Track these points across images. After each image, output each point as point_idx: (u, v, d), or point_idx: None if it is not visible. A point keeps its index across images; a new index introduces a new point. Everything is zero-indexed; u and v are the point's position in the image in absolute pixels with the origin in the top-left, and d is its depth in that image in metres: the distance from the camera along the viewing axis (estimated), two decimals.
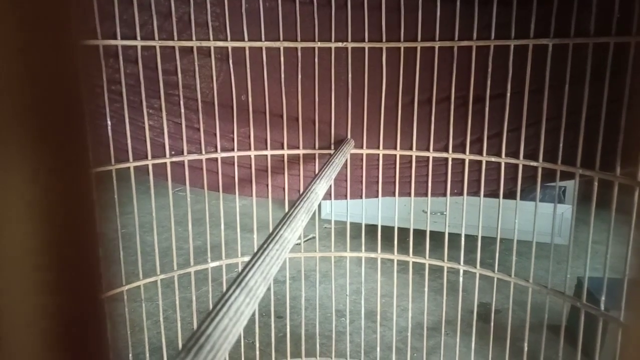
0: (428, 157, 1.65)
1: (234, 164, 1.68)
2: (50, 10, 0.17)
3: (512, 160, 1.56)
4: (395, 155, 1.68)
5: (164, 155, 1.61)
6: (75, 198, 0.19)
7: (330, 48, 1.60)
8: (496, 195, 1.61)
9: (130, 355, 1.66)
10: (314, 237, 2.65)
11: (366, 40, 1.58)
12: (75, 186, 0.19)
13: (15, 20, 0.17)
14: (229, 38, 1.57)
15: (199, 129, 1.62)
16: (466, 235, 1.66)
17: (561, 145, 1.46)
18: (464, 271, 1.68)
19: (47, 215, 0.18)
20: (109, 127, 1.51)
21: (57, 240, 0.18)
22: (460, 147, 1.63)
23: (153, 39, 1.51)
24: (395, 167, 1.69)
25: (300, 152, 1.70)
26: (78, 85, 0.19)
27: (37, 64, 0.17)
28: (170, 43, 1.53)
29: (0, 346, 0.17)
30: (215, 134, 1.63)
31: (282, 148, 1.69)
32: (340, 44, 1.59)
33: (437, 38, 1.54)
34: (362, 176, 1.73)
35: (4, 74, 0.17)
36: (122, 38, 1.47)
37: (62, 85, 0.18)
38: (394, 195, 1.73)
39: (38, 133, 0.18)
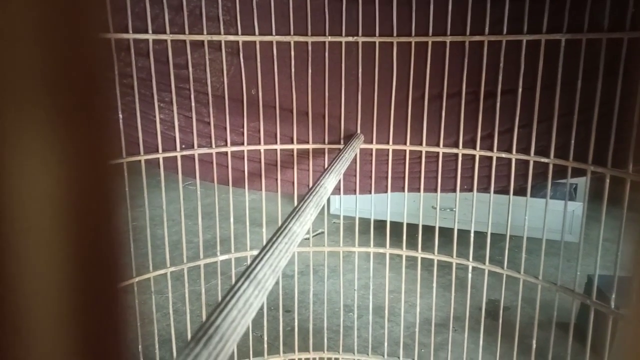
0: (438, 153, 1.65)
1: (243, 158, 1.68)
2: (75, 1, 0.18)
3: (523, 157, 1.55)
4: (405, 150, 1.67)
5: (175, 149, 1.62)
6: (99, 188, 0.19)
7: (340, 42, 1.60)
8: (506, 192, 1.60)
9: (140, 347, 1.68)
10: (322, 232, 2.65)
11: (377, 34, 1.57)
12: (99, 176, 0.19)
13: (39, 10, 0.17)
14: (239, 32, 1.57)
15: (209, 123, 1.63)
16: (475, 232, 1.65)
17: (573, 141, 1.45)
18: (473, 267, 1.68)
19: (71, 205, 0.18)
20: (120, 121, 1.52)
21: (80, 230, 0.19)
22: (470, 143, 1.62)
23: (164, 32, 1.51)
24: (404, 163, 1.69)
25: (310, 146, 1.70)
26: (101, 75, 0.19)
27: (61, 54, 0.18)
28: (181, 37, 1.53)
29: (23, 337, 0.18)
30: (225, 128, 1.64)
31: (292, 142, 1.69)
32: (351, 39, 1.59)
33: (448, 33, 1.53)
34: (371, 171, 1.73)
35: (30, 63, 0.17)
36: (134, 31, 1.48)
37: (86, 75, 0.18)
38: (403, 191, 1.72)
39: (61, 123, 0.18)
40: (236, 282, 0.68)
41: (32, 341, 0.18)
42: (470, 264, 1.68)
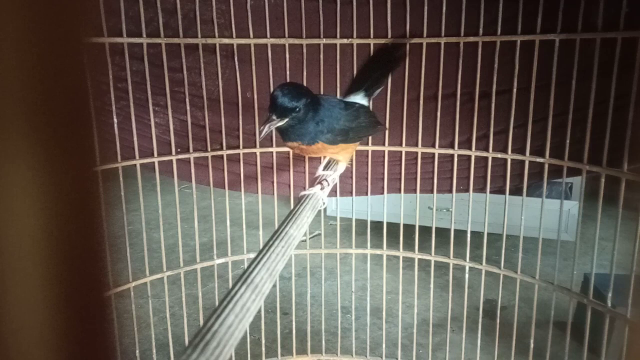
0: (434, 154, 1.65)
1: (239, 161, 1.68)
2: (57, 6, 0.17)
3: (519, 157, 1.55)
4: (401, 151, 1.67)
5: (170, 153, 1.61)
6: (82, 194, 0.19)
7: (335, 44, 1.60)
8: (502, 192, 1.60)
9: (137, 351, 1.67)
10: (319, 234, 2.65)
11: (372, 36, 1.58)
12: (82, 182, 0.19)
13: (21, 15, 0.17)
14: (234, 35, 1.57)
15: (204, 127, 1.62)
16: (472, 232, 1.65)
17: (568, 141, 1.45)
18: (470, 268, 1.68)
19: (54, 212, 0.18)
20: (115, 125, 1.51)
21: (63, 237, 0.18)
22: (466, 144, 1.62)
23: (159, 36, 1.51)
24: (400, 164, 1.69)
25: None
26: (85, 81, 0.19)
27: (44, 60, 0.17)
28: (175, 40, 1.53)
29: (6, 343, 0.18)
30: (220, 132, 1.64)
31: None
32: (345, 41, 1.59)
33: (442, 34, 1.53)
34: (367, 173, 1.73)
35: (11, 69, 0.17)
36: (128, 35, 1.48)
37: (69, 82, 0.18)
38: (400, 192, 1.72)
39: (45, 129, 0.18)
40: (233, 286, 0.68)
41: (16, 351, 0.18)
42: (467, 264, 1.68)
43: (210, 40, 1.56)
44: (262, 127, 1.14)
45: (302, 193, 1.16)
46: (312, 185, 1.23)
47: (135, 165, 1.56)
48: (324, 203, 1.19)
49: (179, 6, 1.50)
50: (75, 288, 0.19)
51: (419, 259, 1.74)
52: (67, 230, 0.18)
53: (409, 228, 1.75)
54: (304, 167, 1.73)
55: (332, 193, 1.67)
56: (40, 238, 0.18)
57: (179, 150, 1.63)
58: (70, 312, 0.19)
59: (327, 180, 1.25)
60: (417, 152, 1.66)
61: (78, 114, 0.19)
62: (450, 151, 1.63)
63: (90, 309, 0.20)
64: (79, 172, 0.19)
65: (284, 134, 1.18)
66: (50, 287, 0.18)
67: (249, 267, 0.74)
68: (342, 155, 1.28)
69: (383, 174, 1.71)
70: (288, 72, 1.61)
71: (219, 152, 1.66)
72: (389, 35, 1.57)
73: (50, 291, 0.18)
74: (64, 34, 0.18)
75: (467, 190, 1.65)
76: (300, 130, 1.16)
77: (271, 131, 1.16)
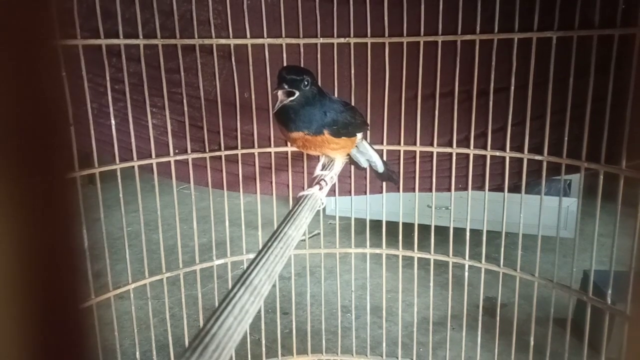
0: (432, 152, 1.65)
1: (238, 162, 1.68)
2: (23, 10, 0.17)
3: (517, 155, 1.55)
4: (400, 150, 1.67)
5: (168, 154, 1.61)
6: (54, 204, 0.19)
7: (332, 44, 1.59)
8: (501, 190, 1.60)
9: (137, 353, 1.67)
10: (318, 233, 2.65)
11: (369, 35, 1.57)
12: (54, 192, 0.19)
13: None
14: (231, 35, 1.57)
15: (202, 127, 1.62)
16: (471, 230, 1.65)
17: (566, 138, 1.45)
18: (470, 266, 1.68)
19: (25, 222, 0.18)
20: (113, 127, 1.51)
21: (34, 249, 0.18)
22: (464, 142, 1.62)
23: (155, 37, 1.51)
24: (399, 163, 1.69)
25: None
26: (56, 87, 0.18)
27: (10, 66, 0.17)
28: (172, 41, 1.53)
29: None
30: (218, 132, 1.64)
31: (286, 145, 1.69)
32: (342, 40, 1.59)
33: (440, 32, 1.53)
34: (366, 172, 1.73)
35: None
36: (125, 37, 1.47)
37: (39, 88, 0.18)
38: (399, 191, 1.72)
39: (14, 137, 0.17)
40: (232, 288, 0.68)
41: None
42: (467, 262, 1.68)
43: (207, 41, 1.56)
44: (275, 91, 1.13)
45: (301, 194, 1.16)
46: (310, 185, 1.23)
47: (133, 166, 1.56)
48: (322, 203, 1.19)
49: (175, 7, 1.50)
50: (49, 300, 0.19)
51: (418, 258, 1.74)
52: (37, 241, 0.18)
53: (408, 227, 1.75)
54: (303, 167, 1.73)
55: (331, 192, 1.67)
56: (9, 251, 0.17)
57: (177, 151, 1.63)
58: (44, 325, 0.18)
59: (325, 180, 1.25)
60: (415, 151, 1.66)
61: (49, 120, 0.18)
62: (448, 149, 1.63)
63: (66, 321, 0.19)
64: (53, 180, 0.18)
65: (291, 122, 1.17)
66: (21, 301, 0.18)
67: (247, 268, 0.74)
68: (341, 153, 1.29)
69: None
70: None
71: (217, 153, 1.65)
72: (386, 34, 1.56)
73: (21, 304, 0.18)
74: (32, 39, 0.17)
75: (465, 189, 1.65)
76: (308, 116, 1.15)
77: (282, 104, 1.14)
